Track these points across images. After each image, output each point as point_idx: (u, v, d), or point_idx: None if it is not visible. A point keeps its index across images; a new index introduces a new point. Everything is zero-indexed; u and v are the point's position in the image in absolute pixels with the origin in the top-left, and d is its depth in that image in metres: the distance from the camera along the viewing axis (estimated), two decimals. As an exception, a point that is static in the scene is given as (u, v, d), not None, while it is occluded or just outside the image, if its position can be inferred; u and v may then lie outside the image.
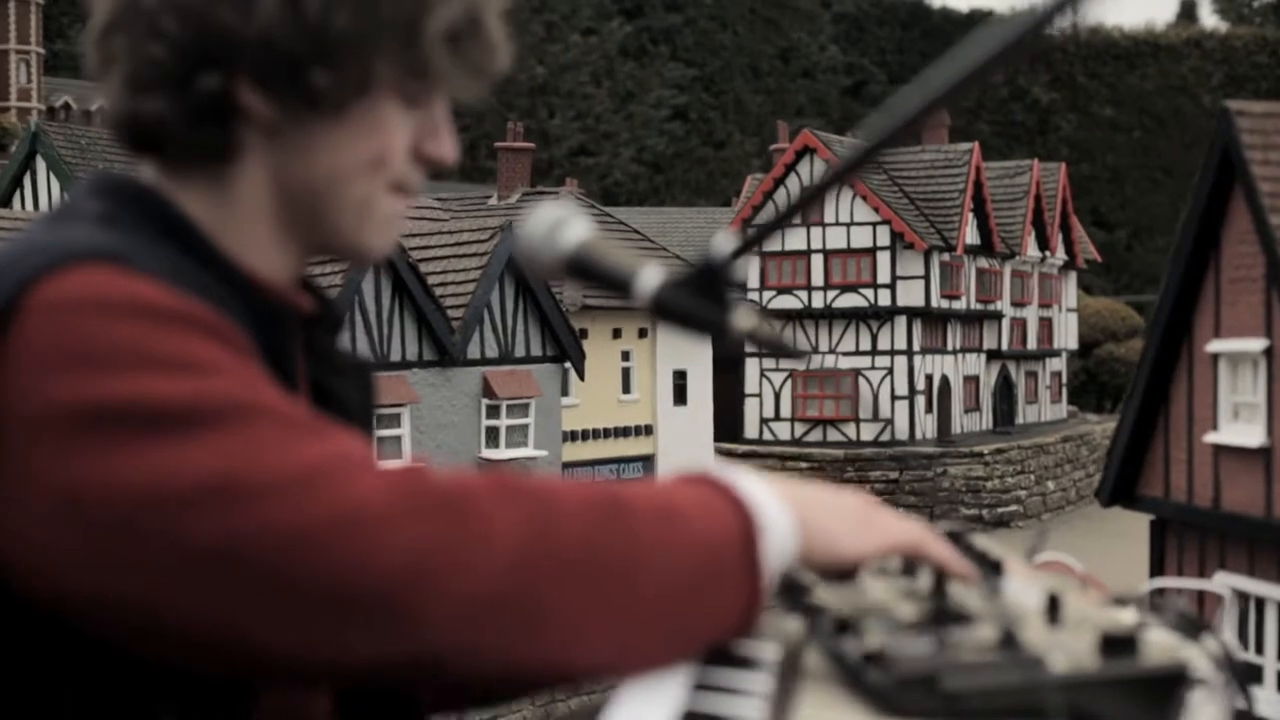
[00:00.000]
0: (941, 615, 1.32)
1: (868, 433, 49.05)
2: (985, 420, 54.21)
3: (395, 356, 32.24)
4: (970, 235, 51.87)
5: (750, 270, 51.20)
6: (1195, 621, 1.37)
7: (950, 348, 51.93)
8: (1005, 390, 56.10)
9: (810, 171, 48.48)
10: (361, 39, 1.32)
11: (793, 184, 48.58)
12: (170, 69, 1.32)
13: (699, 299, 1.36)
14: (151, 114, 1.34)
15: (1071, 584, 1.52)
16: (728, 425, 49.57)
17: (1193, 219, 17.67)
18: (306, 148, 1.36)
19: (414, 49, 1.35)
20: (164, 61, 1.32)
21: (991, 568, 1.47)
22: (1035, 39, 1.16)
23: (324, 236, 1.42)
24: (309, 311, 1.45)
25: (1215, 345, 17.35)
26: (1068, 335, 61.20)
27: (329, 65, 1.32)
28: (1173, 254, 18.14)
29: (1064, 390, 61.52)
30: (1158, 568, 18.82)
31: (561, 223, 1.42)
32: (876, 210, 48.74)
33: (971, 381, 53.42)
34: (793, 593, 1.43)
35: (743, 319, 1.36)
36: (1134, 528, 25.04)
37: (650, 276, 1.37)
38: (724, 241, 1.37)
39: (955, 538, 1.52)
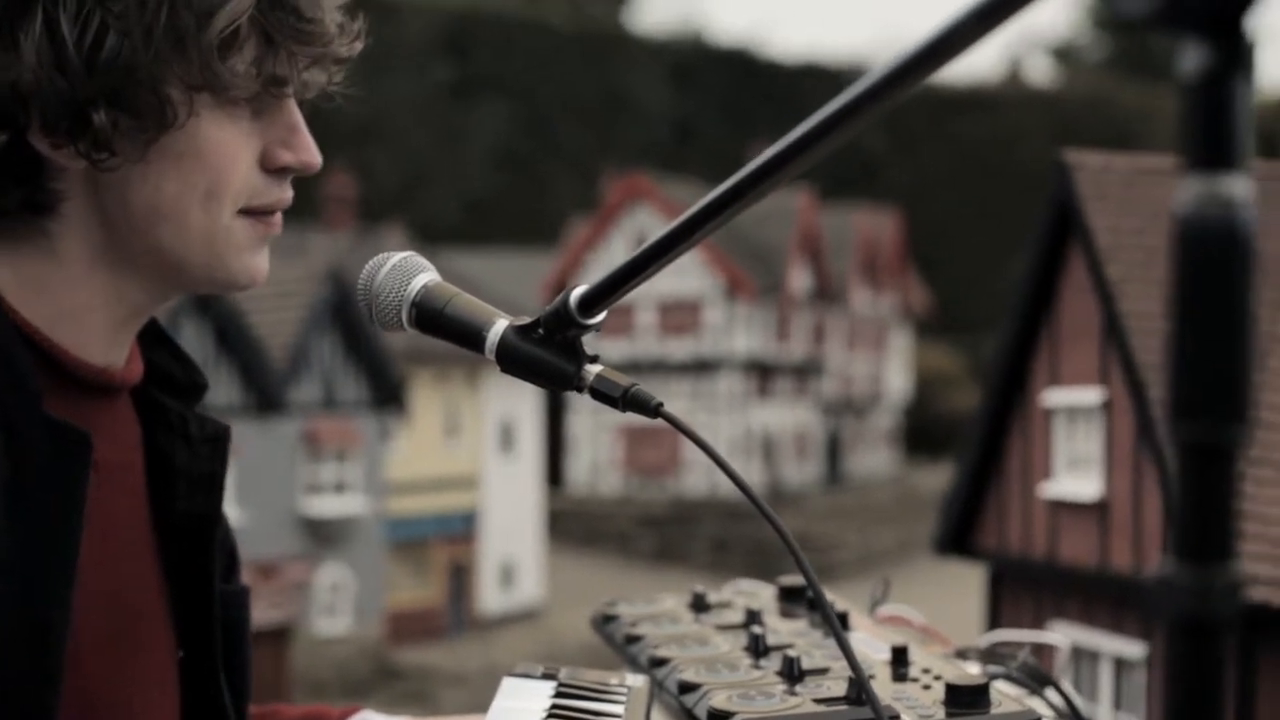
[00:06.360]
0: (789, 670, 1.35)
1: (696, 486, 47.91)
2: (815, 472, 53.52)
3: (216, 404, 30.82)
4: (801, 283, 51.18)
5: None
6: (1039, 673, 1.44)
7: (779, 398, 51.05)
8: (835, 441, 55.50)
9: (641, 217, 47.35)
10: (133, 70, 1.25)
11: (630, 230, 47.44)
12: None
13: (548, 350, 1.31)
14: None
15: (914, 636, 1.55)
16: (556, 475, 48.24)
17: (1029, 270, 17.91)
18: (124, 188, 1.31)
19: (200, 65, 1.27)
20: None
21: (838, 621, 1.48)
22: (893, 91, 1.00)
23: (174, 273, 1.37)
24: (132, 380, 1.43)
25: (1051, 396, 17.26)
26: (899, 385, 60.90)
27: (112, 103, 1.26)
28: (1010, 304, 18.29)
29: (895, 441, 61.20)
30: (994, 619, 18.81)
31: (404, 270, 1.37)
32: (706, 257, 47.69)
33: (801, 432, 52.63)
34: (637, 647, 1.50)
35: (593, 370, 1.31)
36: (964, 579, 24.74)
37: (498, 327, 1.33)
38: (578, 290, 1.30)
39: (801, 592, 1.58)
